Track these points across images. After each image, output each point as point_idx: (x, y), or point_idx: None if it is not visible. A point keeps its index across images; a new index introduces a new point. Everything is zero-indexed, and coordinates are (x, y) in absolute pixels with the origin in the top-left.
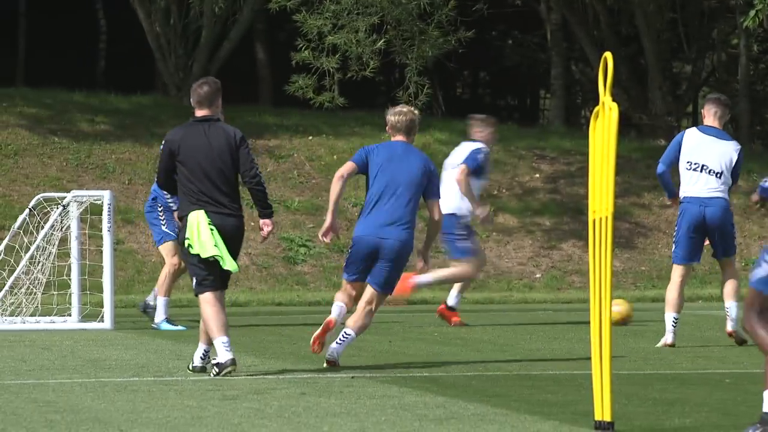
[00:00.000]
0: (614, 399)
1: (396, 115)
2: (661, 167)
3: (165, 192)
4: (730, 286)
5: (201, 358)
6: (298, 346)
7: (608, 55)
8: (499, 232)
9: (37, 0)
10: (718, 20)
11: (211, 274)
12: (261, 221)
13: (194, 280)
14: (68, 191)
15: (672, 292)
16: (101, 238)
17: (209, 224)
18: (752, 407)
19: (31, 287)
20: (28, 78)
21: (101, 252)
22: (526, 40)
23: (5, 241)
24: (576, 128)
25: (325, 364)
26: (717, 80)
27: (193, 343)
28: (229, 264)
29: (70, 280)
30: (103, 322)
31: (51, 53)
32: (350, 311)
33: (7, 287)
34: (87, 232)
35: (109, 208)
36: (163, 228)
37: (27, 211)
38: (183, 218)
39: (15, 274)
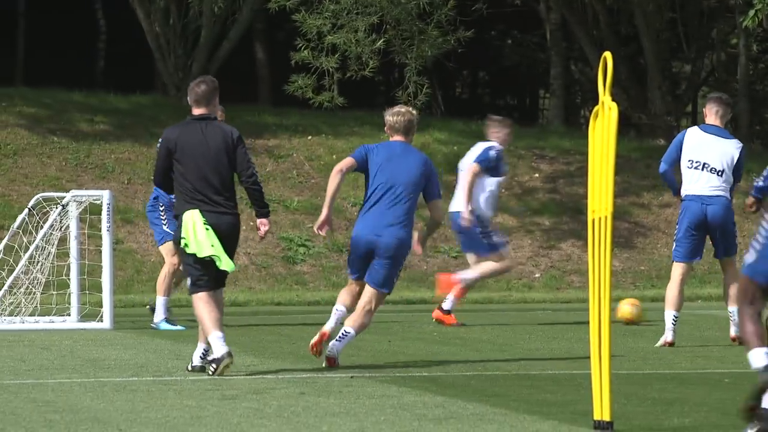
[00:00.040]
0: (613, 398)
1: (394, 115)
2: (662, 166)
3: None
4: (734, 290)
5: (200, 357)
6: (297, 345)
7: (608, 54)
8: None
9: (36, 0)
10: (718, 20)
11: (206, 275)
12: (258, 221)
13: (189, 280)
14: (67, 191)
15: (672, 290)
16: (100, 237)
17: (204, 224)
18: None
19: (30, 287)
20: (28, 78)
21: (100, 252)
22: (525, 39)
23: (4, 241)
24: (575, 128)
25: (324, 362)
26: (716, 80)
27: (192, 343)
28: (225, 264)
29: (69, 279)
30: (102, 322)
31: (50, 53)
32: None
33: (6, 287)
34: (86, 231)
35: (108, 207)
36: (164, 228)
37: (26, 210)
38: (178, 216)
39: (14, 274)
